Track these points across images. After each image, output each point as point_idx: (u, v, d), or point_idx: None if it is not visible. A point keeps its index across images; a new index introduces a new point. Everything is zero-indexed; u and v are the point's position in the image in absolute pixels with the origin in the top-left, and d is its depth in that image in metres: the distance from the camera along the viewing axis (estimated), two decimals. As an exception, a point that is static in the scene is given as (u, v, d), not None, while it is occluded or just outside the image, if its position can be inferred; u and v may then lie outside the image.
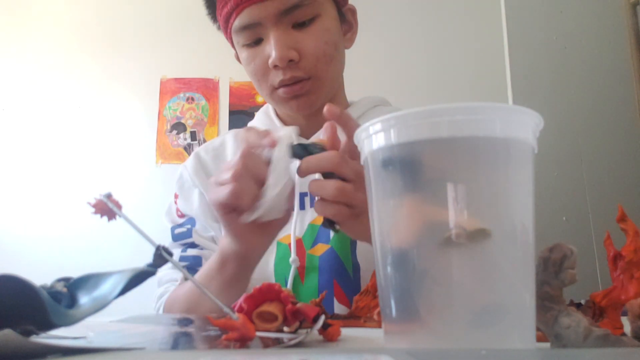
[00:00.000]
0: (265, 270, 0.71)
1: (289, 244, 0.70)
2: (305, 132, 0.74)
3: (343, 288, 0.69)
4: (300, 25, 0.67)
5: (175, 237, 0.76)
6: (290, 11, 0.65)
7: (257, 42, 0.68)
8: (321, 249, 0.70)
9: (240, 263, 0.57)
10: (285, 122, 0.79)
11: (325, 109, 0.49)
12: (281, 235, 0.71)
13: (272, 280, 0.71)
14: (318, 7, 0.68)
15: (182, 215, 0.78)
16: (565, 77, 1.81)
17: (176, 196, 0.80)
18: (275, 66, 0.66)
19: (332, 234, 0.70)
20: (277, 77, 0.67)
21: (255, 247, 0.56)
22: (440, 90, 2.05)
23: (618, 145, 1.75)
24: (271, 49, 0.66)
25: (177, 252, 0.74)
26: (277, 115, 0.80)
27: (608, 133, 1.76)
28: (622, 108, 1.78)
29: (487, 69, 2.03)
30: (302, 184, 0.73)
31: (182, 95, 2.15)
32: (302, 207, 0.73)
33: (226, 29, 0.71)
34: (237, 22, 0.67)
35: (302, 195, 0.73)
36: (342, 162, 0.47)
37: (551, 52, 1.83)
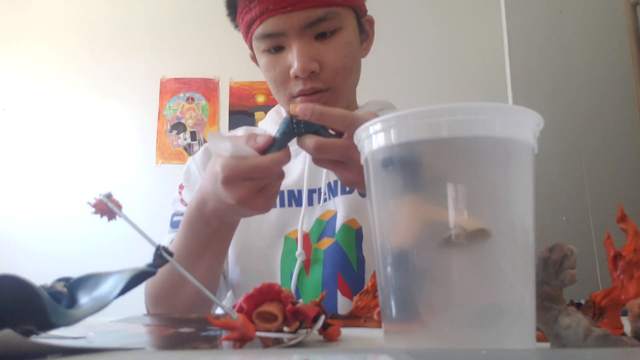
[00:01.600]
0: (272, 263, 0.73)
1: (296, 239, 0.72)
2: None
3: (347, 281, 0.70)
4: (321, 36, 0.68)
5: (174, 224, 0.78)
6: (314, 24, 0.66)
7: (278, 49, 0.69)
8: (326, 242, 0.72)
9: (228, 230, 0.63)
10: None
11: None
12: (288, 230, 0.74)
13: (278, 273, 0.72)
14: (341, 20, 0.69)
15: (186, 205, 0.80)
16: (565, 77, 1.81)
17: (181, 187, 0.81)
18: (296, 76, 0.67)
19: (337, 228, 0.72)
20: (296, 86, 0.68)
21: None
22: (440, 90, 2.05)
23: (618, 145, 1.75)
24: (293, 59, 0.66)
25: (170, 237, 0.75)
26: None
27: (608, 133, 1.76)
28: (622, 108, 1.78)
29: (487, 69, 2.03)
30: (310, 181, 0.75)
31: (182, 95, 2.15)
32: (310, 203, 0.75)
33: (247, 33, 0.72)
34: (260, 30, 0.68)
35: (311, 192, 0.75)
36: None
37: (551, 52, 1.83)
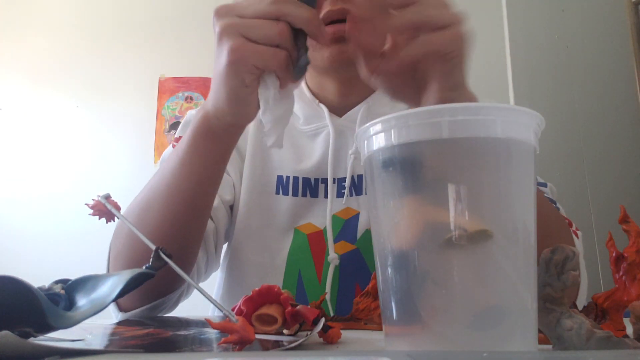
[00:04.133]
0: (277, 257, 0.65)
1: (309, 235, 0.64)
2: (337, 111, 0.69)
3: None
4: None
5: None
6: None
7: None
8: (345, 247, 0.64)
9: (231, 135, 0.50)
10: (317, 96, 0.70)
11: None
12: (300, 222, 0.65)
13: (283, 269, 0.65)
14: None
15: None
16: (567, 76, 1.81)
17: (177, 140, 0.67)
18: None
19: (359, 234, 0.64)
20: (324, 9, 0.57)
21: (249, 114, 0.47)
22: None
23: (620, 146, 1.75)
24: None
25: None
26: (309, 87, 0.71)
27: (610, 133, 1.76)
28: (624, 107, 1.78)
29: (488, 68, 2.03)
30: (319, 171, 0.65)
31: (180, 94, 2.14)
32: (326, 195, 0.66)
33: None
34: None
35: (326, 182, 0.67)
36: None
37: (553, 51, 1.83)
